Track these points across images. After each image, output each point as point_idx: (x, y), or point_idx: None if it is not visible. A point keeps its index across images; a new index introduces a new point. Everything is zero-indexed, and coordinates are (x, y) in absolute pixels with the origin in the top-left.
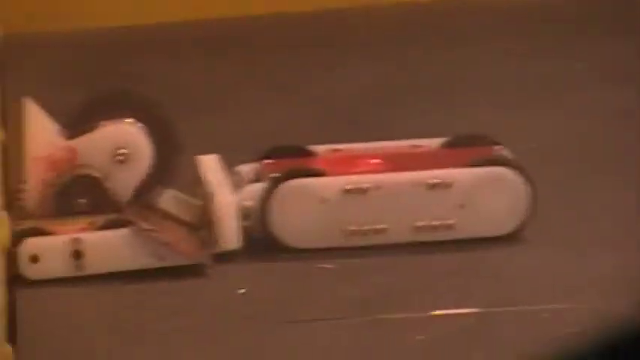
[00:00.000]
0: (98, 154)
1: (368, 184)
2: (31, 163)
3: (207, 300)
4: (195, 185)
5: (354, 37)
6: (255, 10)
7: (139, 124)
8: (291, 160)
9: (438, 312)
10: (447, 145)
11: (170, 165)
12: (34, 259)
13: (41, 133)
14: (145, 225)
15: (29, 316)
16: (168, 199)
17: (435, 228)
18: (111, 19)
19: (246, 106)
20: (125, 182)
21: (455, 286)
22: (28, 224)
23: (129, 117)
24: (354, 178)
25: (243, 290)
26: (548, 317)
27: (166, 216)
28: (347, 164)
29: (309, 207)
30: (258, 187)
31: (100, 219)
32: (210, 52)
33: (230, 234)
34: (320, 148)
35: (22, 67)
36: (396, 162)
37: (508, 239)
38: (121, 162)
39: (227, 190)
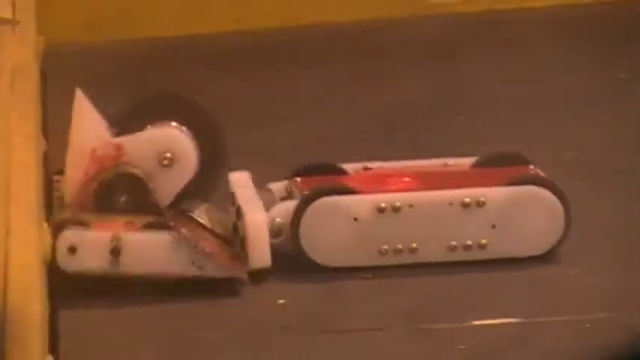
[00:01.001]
0: (143, 155)
1: (400, 203)
2: (75, 155)
3: (246, 311)
4: (227, 201)
5: (401, 49)
6: (301, 21)
7: (188, 130)
8: (321, 177)
9: (479, 322)
10: (478, 165)
11: (215, 175)
12: (72, 250)
13: (88, 126)
14: (186, 232)
15: (71, 328)
16: (201, 212)
17: (467, 247)
18: (152, 30)
19: (288, 118)
20: (167, 187)
21: (497, 297)
22: (68, 215)
23: (178, 121)
24: (386, 196)
25: (282, 301)
26: (589, 327)
27: (202, 227)
28: (378, 182)
29: (341, 225)
30: (290, 205)
31: (140, 219)
32: (253, 64)
33: (260, 253)
34: (351, 166)
35: (63, 77)
36: (428, 181)
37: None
38: (165, 166)
39: (257, 208)
